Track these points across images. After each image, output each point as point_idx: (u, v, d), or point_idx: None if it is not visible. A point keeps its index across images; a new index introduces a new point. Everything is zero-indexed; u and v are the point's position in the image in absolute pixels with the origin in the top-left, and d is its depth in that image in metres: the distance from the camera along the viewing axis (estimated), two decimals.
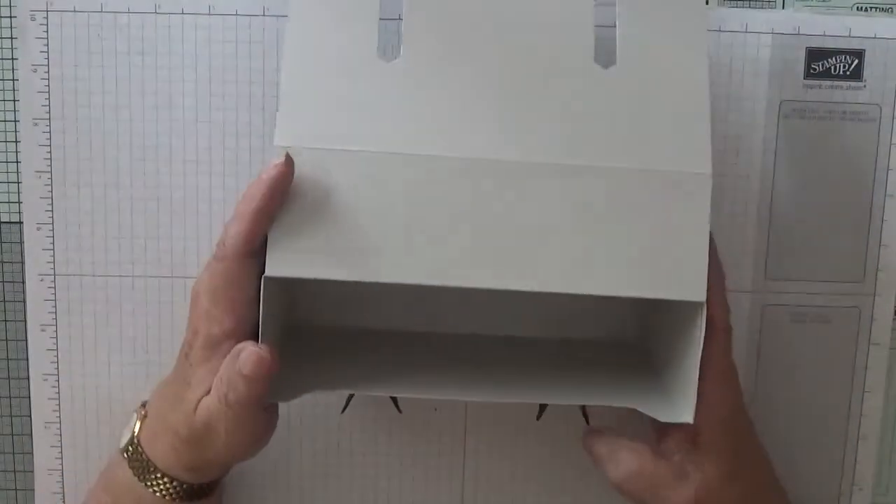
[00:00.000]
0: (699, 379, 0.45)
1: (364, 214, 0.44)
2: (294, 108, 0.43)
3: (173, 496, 0.48)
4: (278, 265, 0.44)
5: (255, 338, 0.44)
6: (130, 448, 0.49)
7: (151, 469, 0.48)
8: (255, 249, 0.44)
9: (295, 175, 0.44)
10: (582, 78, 0.44)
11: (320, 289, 0.51)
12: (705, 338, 0.44)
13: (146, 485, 0.48)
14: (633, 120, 0.44)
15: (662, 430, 0.48)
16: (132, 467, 0.48)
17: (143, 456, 0.48)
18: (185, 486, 0.48)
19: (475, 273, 0.44)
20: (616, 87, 0.44)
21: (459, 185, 0.43)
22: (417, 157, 0.43)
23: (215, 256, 0.45)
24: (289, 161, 0.43)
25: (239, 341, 0.44)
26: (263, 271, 0.44)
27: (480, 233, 0.44)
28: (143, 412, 0.49)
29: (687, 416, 0.45)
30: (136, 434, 0.49)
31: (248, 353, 0.43)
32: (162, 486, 0.48)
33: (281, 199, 0.44)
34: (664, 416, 0.45)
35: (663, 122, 0.44)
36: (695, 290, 0.44)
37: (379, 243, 0.44)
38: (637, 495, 0.48)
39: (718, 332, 0.46)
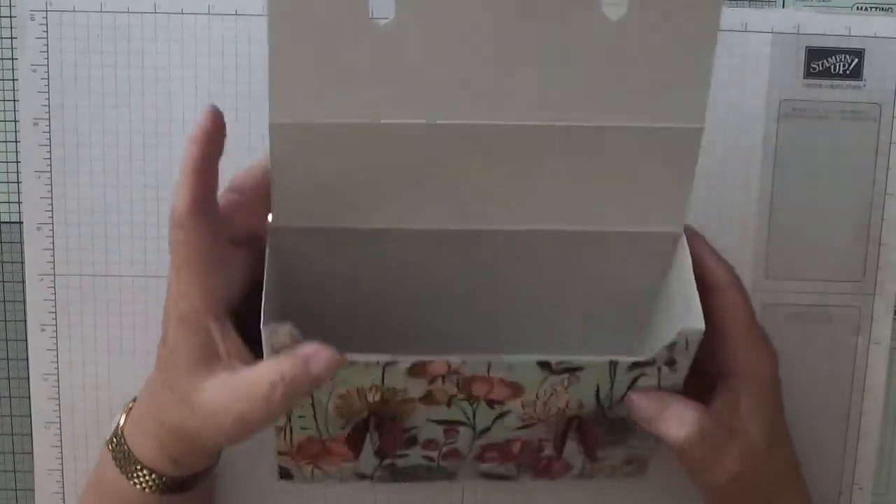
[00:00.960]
0: (735, 344, 0.46)
1: (363, 182, 0.44)
2: (286, 82, 0.42)
3: (153, 489, 0.47)
4: (285, 214, 0.44)
5: (229, 307, 0.45)
6: (114, 440, 0.48)
7: (133, 461, 0.47)
8: (205, 209, 0.44)
9: (294, 150, 0.43)
10: (584, 33, 0.42)
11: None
12: (723, 302, 0.46)
13: (128, 478, 0.47)
14: (634, 73, 0.43)
15: (703, 397, 0.47)
16: (115, 460, 0.48)
17: (126, 448, 0.47)
18: (165, 479, 0.47)
19: (482, 215, 0.44)
20: (619, 40, 0.42)
21: (454, 152, 0.44)
22: (414, 125, 0.43)
23: (169, 229, 0.44)
24: (211, 114, 0.44)
25: (211, 314, 0.44)
26: (223, 237, 0.44)
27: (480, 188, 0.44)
28: (129, 405, 0.49)
29: (698, 322, 0.44)
30: (120, 426, 0.49)
31: (325, 358, 0.42)
32: (143, 480, 0.47)
33: (214, 150, 0.44)
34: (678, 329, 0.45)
35: (664, 76, 0.43)
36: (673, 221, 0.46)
37: (380, 197, 0.44)
38: (697, 456, 0.46)
39: (731, 290, 0.46)
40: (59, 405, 0.56)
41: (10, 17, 0.53)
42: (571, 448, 0.50)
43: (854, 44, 0.53)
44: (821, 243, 0.55)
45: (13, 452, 0.57)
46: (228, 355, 0.44)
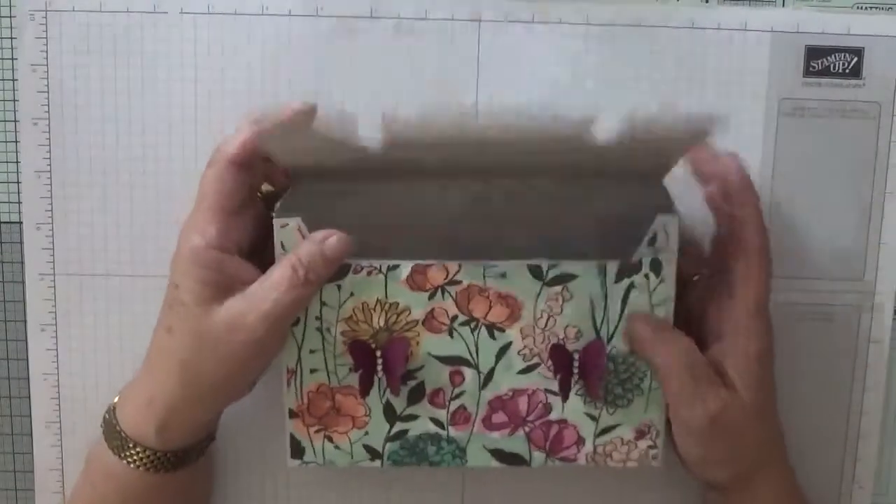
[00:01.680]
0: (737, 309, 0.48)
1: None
2: None
3: (146, 465, 0.48)
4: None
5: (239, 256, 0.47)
6: (106, 417, 0.49)
7: (123, 438, 0.48)
8: (248, 162, 0.47)
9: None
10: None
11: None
12: (738, 258, 0.48)
13: (120, 456, 0.48)
14: None
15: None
16: (107, 440, 0.49)
17: (116, 427, 0.48)
18: (157, 454, 0.48)
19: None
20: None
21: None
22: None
23: (208, 164, 0.47)
24: (307, 109, 0.47)
25: (225, 249, 0.47)
26: (247, 190, 0.48)
27: None
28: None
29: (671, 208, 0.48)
30: (113, 405, 0.49)
31: (338, 238, 0.46)
32: (134, 456, 0.48)
33: (284, 126, 0.47)
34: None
35: None
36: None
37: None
38: (682, 385, 0.48)
39: (752, 253, 0.48)
40: (59, 405, 0.56)
41: (10, 17, 0.53)
42: (577, 405, 0.50)
43: (854, 42, 0.53)
44: (821, 242, 0.55)
45: (13, 452, 0.57)
46: (243, 282, 0.46)
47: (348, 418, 0.51)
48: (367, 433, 0.51)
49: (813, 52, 0.53)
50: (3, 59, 0.54)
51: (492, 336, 0.49)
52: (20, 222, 0.55)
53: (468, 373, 0.49)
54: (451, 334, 0.49)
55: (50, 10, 0.53)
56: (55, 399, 0.56)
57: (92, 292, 0.55)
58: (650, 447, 0.51)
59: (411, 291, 0.49)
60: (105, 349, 0.55)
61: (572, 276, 0.49)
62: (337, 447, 0.51)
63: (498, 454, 0.51)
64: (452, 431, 0.51)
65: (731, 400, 0.47)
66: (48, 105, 0.54)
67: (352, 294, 0.49)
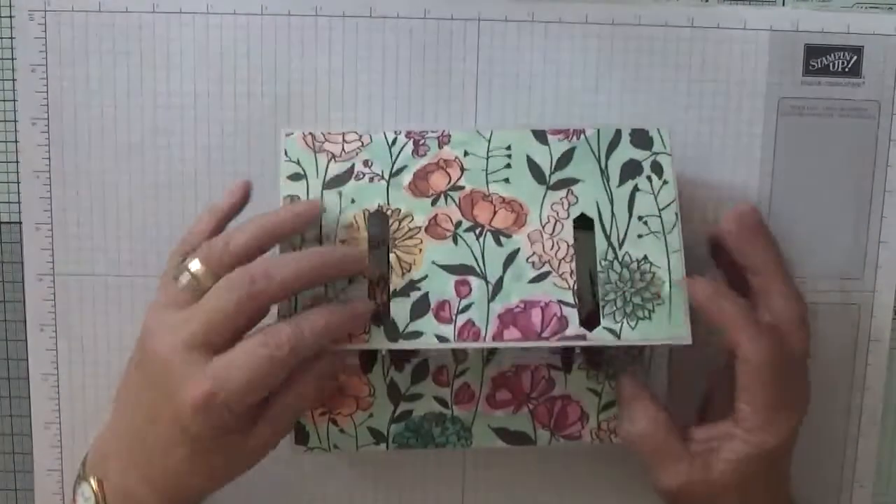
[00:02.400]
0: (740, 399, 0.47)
1: None
2: None
3: None
4: None
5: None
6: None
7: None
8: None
9: None
10: None
11: None
12: (737, 371, 0.47)
13: None
14: None
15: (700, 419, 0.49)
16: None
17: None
18: None
19: None
20: None
21: None
22: None
23: (191, 414, 0.43)
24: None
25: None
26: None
27: None
28: (95, 480, 0.47)
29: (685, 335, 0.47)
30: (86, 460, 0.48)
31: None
32: None
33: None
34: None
35: None
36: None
37: None
38: (643, 456, 0.48)
39: (752, 368, 0.47)
40: (58, 405, 0.56)
41: (10, 17, 0.53)
42: (580, 380, 0.50)
43: (853, 41, 0.53)
44: (820, 241, 0.55)
45: (13, 452, 0.57)
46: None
47: (352, 399, 0.50)
48: (371, 415, 0.50)
49: (812, 51, 0.53)
50: (2, 59, 0.54)
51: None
52: (20, 222, 0.55)
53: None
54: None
55: (49, 10, 0.53)
56: (54, 399, 0.56)
57: (91, 292, 0.55)
58: None
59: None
60: (105, 349, 0.55)
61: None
62: (342, 431, 0.50)
63: (503, 433, 0.51)
64: (457, 411, 0.50)
65: (692, 476, 0.47)
66: (47, 105, 0.54)
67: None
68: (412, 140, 0.49)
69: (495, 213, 0.48)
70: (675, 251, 0.48)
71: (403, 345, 0.47)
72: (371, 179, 0.48)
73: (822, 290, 0.55)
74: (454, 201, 0.48)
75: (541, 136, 0.49)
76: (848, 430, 0.57)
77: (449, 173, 0.48)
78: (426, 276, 0.47)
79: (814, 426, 0.56)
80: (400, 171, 0.48)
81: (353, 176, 0.48)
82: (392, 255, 0.48)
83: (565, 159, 0.49)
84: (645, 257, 0.48)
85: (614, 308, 0.48)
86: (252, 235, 0.45)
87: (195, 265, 0.45)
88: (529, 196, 0.48)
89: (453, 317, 0.47)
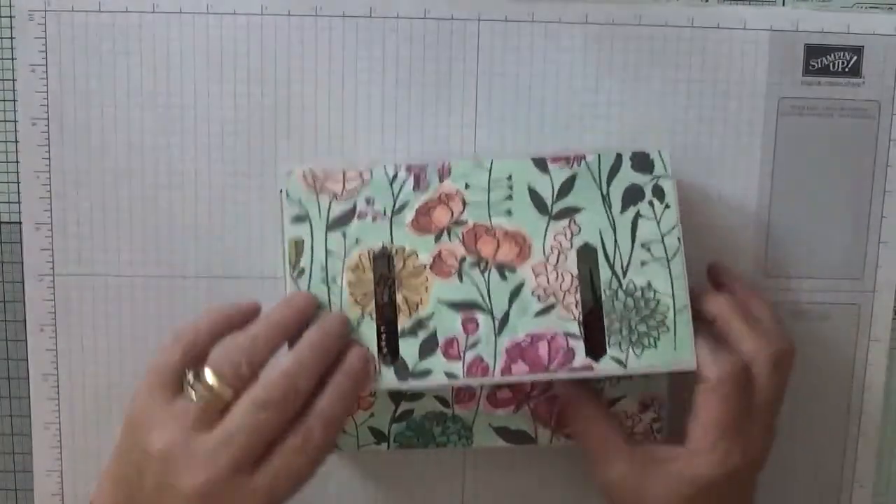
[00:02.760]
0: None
1: None
2: None
3: None
4: None
5: None
6: None
7: None
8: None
9: None
10: None
11: None
12: (699, 392, 0.47)
13: None
14: None
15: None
16: None
17: None
18: None
19: None
20: None
21: None
22: None
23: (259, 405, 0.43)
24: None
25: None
26: None
27: None
28: None
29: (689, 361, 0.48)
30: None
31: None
32: None
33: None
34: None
35: None
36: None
37: None
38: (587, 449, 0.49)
39: (706, 387, 0.47)
40: (58, 405, 0.56)
41: (10, 17, 0.53)
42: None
43: (853, 41, 0.53)
44: (820, 241, 0.55)
45: (13, 452, 0.57)
46: None
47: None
48: (372, 415, 0.50)
49: (812, 51, 0.53)
50: (2, 59, 0.54)
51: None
52: (19, 222, 0.55)
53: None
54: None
55: (49, 10, 0.53)
56: (54, 400, 0.55)
57: (91, 292, 0.55)
58: (654, 420, 0.51)
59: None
60: (104, 349, 0.55)
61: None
62: (343, 430, 0.50)
63: (503, 432, 0.51)
64: (458, 410, 0.50)
65: (629, 479, 0.48)
66: (47, 105, 0.54)
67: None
68: (413, 175, 0.49)
69: (499, 246, 0.48)
70: (678, 277, 0.48)
71: (413, 384, 0.47)
72: (374, 218, 0.48)
73: (822, 290, 0.55)
74: (458, 237, 0.48)
75: (541, 164, 0.49)
76: (848, 430, 0.57)
77: (451, 208, 0.48)
78: (433, 314, 0.48)
79: (814, 426, 0.56)
80: (402, 207, 0.48)
81: (356, 215, 0.48)
82: (399, 296, 0.48)
83: (566, 188, 0.49)
84: (649, 284, 0.48)
85: (620, 337, 0.48)
86: (272, 345, 0.45)
87: (210, 378, 0.43)
88: (532, 227, 0.48)
89: (461, 354, 0.48)
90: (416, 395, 0.50)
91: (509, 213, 0.48)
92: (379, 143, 0.54)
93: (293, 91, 0.53)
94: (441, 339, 0.48)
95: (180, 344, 0.44)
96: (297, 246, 0.48)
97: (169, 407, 0.43)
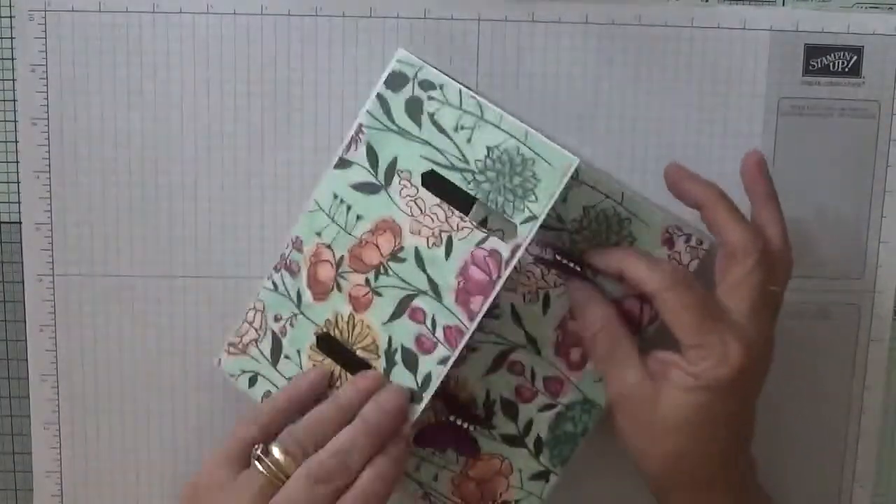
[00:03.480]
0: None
1: None
2: None
3: None
4: None
5: None
6: None
7: None
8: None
9: None
10: None
11: None
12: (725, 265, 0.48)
13: None
14: None
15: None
16: None
17: None
18: None
19: None
20: None
21: None
22: None
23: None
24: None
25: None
26: None
27: None
28: None
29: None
30: None
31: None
32: None
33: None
34: None
35: None
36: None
37: None
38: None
39: (736, 259, 0.47)
40: (58, 406, 0.56)
41: (10, 17, 0.53)
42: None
43: (853, 41, 0.53)
44: (820, 241, 0.55)
45: (13, 452, 0.57)
46: None
47: None
48: None
49: (812, 51, 0.53)
50: (2, 59, 0.54)
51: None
52: (19, 222, 0.55)
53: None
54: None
55: (49, 10, 0.53)
56: (54, 400, 0.55)
57: (91, 292, 0.55)
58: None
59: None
60: (104, 350, 0.55)
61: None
62: None
63: None
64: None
65: (640, 389, 0.48)
66: (47, 105, 0.54)
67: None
68: (284, 265, 0.51)
69: (378, 245, 0.50)
70: (499, 117, 0.48)
71: (427, 395, 0.49)
72: (289, 325, 0.51)
73: (822, 290, 0.55)
74: (346, 272, 0.50)
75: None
76: (848, 430, 0.57)
77: (326, 260, 0.50)
78: (390, 338, 0.49)
79: (814, 426, 0.56)
80: (299, 296, 0.51)
81: (280, 338, 0.51)
82: (359, 353, 0.50)
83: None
84: (488, 147, 0.48)
85: (510, 203, 0.48)
86: (337, 427, 0.47)
87: (278, 454, 0.46)
88: (375, 206, 0.50)
89: (434, 339, 0.49)
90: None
91: (358, 217, 0.50)
92: None
93: (293, 91, 0.53)
94: (412, 347, 0.49)
95: (258, 424, 0.48)
96: (267, 392, 0.52)
97: (236, 477, 0.46)
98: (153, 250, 0.54)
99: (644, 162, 0.54)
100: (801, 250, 0.55)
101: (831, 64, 0.54)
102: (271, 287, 0.51)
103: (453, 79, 0.49)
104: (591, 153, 0.54)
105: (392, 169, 0.49)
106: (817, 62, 0.54)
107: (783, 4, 0.54)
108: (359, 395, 0.48)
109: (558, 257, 0.50)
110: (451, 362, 0.48)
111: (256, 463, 0.46)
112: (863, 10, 0.54)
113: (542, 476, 0.53)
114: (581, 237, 0.50)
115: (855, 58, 0.54)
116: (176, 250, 0.54)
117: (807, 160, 0.54)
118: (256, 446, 0.46)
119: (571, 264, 0.50)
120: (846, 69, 0.54)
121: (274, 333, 0.51)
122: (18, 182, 0.54)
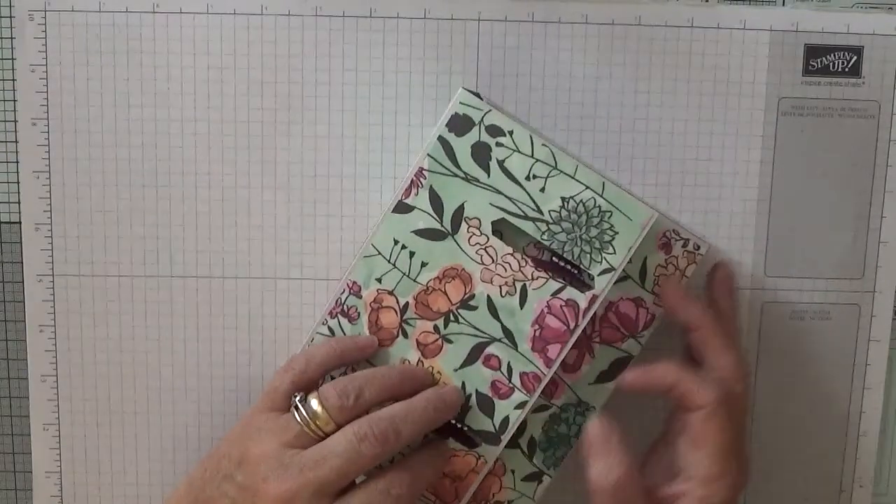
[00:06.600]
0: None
1: None
2: None
3: None
4: None
5: None
6: None
7: None
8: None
9: None
10: None
11: None
12: (687, 422, 0.47)
13: None
14: None
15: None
16: None
17: None
18: None
19: None
20: None
21: None
22: None
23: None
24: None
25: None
26: None
27: None
28: None
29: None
30: None
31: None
32: None
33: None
34: None
35: None
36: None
37: None
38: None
39: (708, 414, 0.47)
40: (57, 407, 0.56)
41: (10, 17, 0.53)
42: None
43: (853, 41, 0.53)
44: (820, 241, 0.55)
45: (13, 453, 0.57)
46: None
47: None
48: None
49: (812, 51, 0.53)
50: (2, 59, 0.54)
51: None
52: (19, 222, 0.55)
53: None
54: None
55: (49, 10, 0.53)
56: (54, 400, 0.55)
57: (91, 293, 0.55)
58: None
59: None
60: (104, 350, 0.55)
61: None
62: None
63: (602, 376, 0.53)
64: (556, 399, 0.53)
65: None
66: (47, 105, 0.54)
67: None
68: (340, 308, 0.51)
69: (446, 293, 0.50)
70: (578, 169, 0.49)
71: (506, 437, 0.50)
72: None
73: (822, 290, 0.55)
74: (412, 319, 0.50)
75: None
76: (848, 430, 0.57)
77: (391, 307, 0.50)
78: (463, 383, 0.50)
79: (814, 426, 0.56)
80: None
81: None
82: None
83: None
84: (562, 198, 0.49)
85: (587, 254, 0.49)
86: (382, 395, 0.47)
87: (315, 404, 0.46)
88: (442, 253, 0.50)
89: (510, 385, 0.50)
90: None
91: (423, 265, 0.50)
92: (379, 142, 0.54)
93: (293, 91, 0.53)
94: (487, 392, 0.50)
95: (290, 373, 0.48)
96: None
97: (273, 422, 0.46)
98: (153, 250, 0.54)
99: (644, 162, 0.54)
100: (801, 251, 0.55)
101: (831, 64, 0.54)
102: (328, 333, 0.51)
103: (520, 122, 0.49)
104: (591, 153, 0.54)
105: (459, 216, 0.49)
106: (817, 62, 0.54)
107: (783, 4, 0.54)
108: (401, 377, 0.48)
109: (555, 259, 0.50)
110: (528, 406, 0.50)
111: (294, 411, 0.46)
112: (863, 10, 0.54)
113: (535, 477, 0.53)
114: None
115: (855, 58, 0.54)
116: (176, 250, 0.54)
117: (807, 160, 0.54)
118: (296, 394, 0.47)
119: (569, 266, 0.50)
120: (846, 69, 0.54)
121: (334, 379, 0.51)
122: (18, 182, 0.54)
